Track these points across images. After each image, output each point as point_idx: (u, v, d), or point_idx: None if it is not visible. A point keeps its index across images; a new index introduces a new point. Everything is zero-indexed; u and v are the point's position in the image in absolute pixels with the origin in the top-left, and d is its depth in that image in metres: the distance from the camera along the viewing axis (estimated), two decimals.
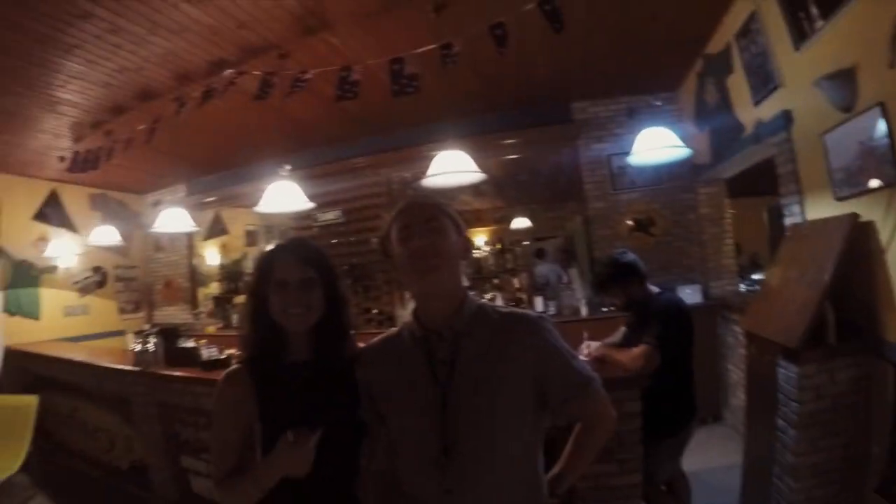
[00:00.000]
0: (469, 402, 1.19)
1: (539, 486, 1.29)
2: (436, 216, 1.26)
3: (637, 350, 2.37)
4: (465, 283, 1.34)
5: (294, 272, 1.35)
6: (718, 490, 3.19)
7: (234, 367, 1.40)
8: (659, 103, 4.29)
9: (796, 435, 2.38)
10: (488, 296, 5.01)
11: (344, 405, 1.37)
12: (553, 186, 5.76)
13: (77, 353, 4.68)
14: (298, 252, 1.40)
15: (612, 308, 2.86)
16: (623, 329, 2.90)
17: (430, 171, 2.82)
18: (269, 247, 1.47)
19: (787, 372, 2.47)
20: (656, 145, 3.21)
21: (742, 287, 4.78)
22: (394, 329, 1.43)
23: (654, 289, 2.68)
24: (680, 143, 3.24)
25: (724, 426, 4.42)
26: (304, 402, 1.31)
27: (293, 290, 1.34)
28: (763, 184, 4.33)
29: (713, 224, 4.72)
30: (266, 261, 1.40)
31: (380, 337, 1.44)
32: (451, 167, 2.79)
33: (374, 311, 5.45)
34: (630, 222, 4.77)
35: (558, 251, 5.93)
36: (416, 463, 1.25)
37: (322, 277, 1.38)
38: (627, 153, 3.85)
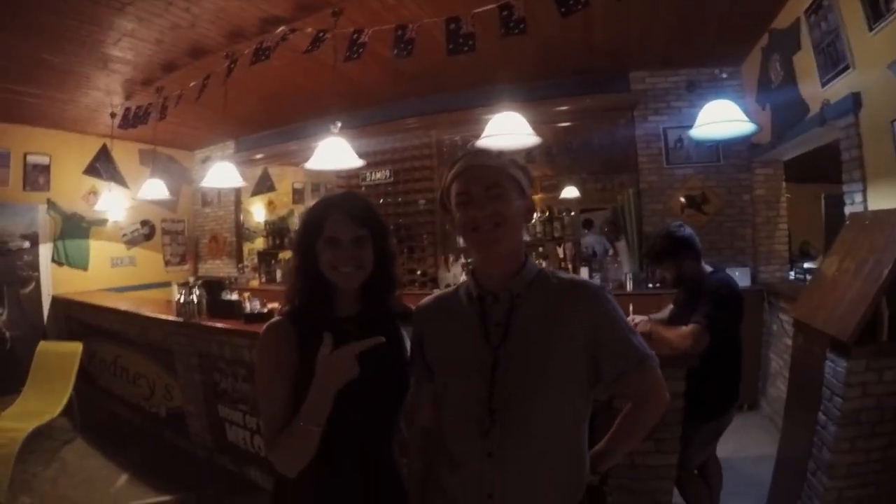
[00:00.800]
0: (519, 366, 1.16)
1: (582, 460, 1.25)
2: (498, 182, 1.19)
3: (686, 328, 2.30)
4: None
5: (346, 230, 1.31)
6: (748, 480, 3.13)
7: (275, 318, 1.36)
8: (724, 75, 4.10)
9: (837, 432, 2.29)
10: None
11: (389, 360, 1.35)
12: (605, 157, 5.62)
13: (122, 303, 4.84)
14: (350, 208, 1.34)
15: (661, 283, 2.75)
16: (670, 307, 2.82)
17: (485, 132, 2.75)
18: (320, 200, 1.42)
19: (834, 366, 2.37)
20: (721, 119, 3.06)
21: (791, 275, 4.61)
22: (450, 287, 1.41)
23: (708, 267, 2.59)
24: (745, 118, 3.08)
25: (759, 415, 4.32)
26: None
27: (345, 248, 1.30)
28: (820, 169, 4.16)
29: (768, 207, 4.55)
30: (316, 216, 1.35)
31: (437, 293, 1.42)
32: (507, 129, 2.71)
33: (419, 272, 5.44)
34: (682, 199, 4.64)
35: (606, 223, 5.81)
36: (460, 423, 1.23)
37: (373, 235, 1.34)
38: (684, 127, 3.71)
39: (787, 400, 3.04)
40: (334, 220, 1.32)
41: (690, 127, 3.42)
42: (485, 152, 1.26)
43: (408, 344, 1.42)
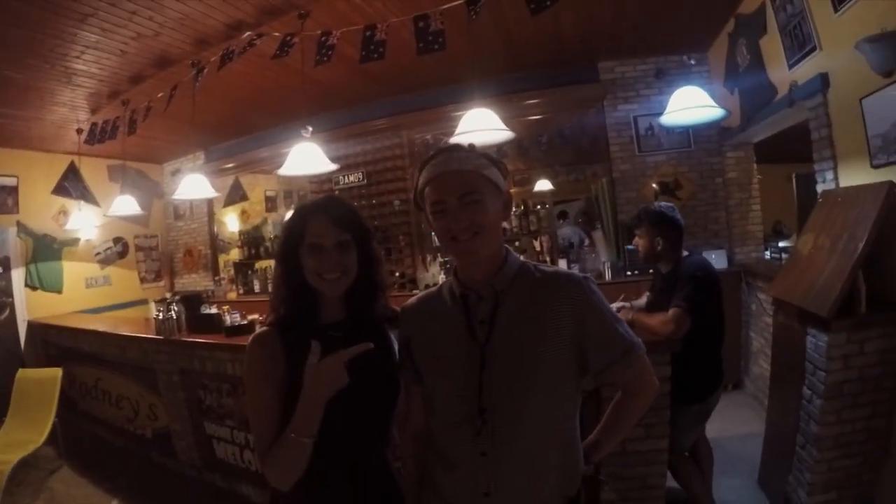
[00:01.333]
0: (507, 362, 1.16)
1: (575, 452, 1.25)
2: (472, 188, 1.16)
3: (668, 314, 2.32)
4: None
5: (329, 235, 1.28)
6: (737, 458, 3.18)
7: (262, 329, 1.34)
8: (693, 62, 4.15)
9: (822, 405, 2.35)
10: None
11: (378, 365, 1.33)
12: (576, 148, 5.67)
13: (99, 324, 4.74)
14: (332, 213, 1.31)
15: (634, 248, 2.76)
16: (647, 294, 2.85)
17: (457, 130, 2.74)
18: (300, 206, 1.39)
19: (815, 341, 2.42)
20: (690, 105, 3.11)
21: (767, 254, 4.69)
22: (433, 287, 1.40)
23: (683, 252, 2.61)
24: (714, 103, 3.13)
25: (744, 394, 4.39)
26: None
27: (328, 253, 1.27)
28: (790, 150, 4.23)
29: (740, 189, 4.63)
30: (297, 222, 1.32)
31: (420, 294, 1.41)
32: (479, 125, 2.71)
33: (397, 273, 5.41)
34: (655, 185, 4.69)
35: (579, 214, 5.86)
36: (451, 423, 1.22)
37: (356, 239, 1.32)
38: (654, 114, 3.74)
39: (771, 377, 3.10)
40: (316, 225, 1.29)
41: (660, 114, 3.47)
42: (456, 153, 1.22)
43: (396, 347, 1.40)
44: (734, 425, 3.64)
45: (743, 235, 4.65)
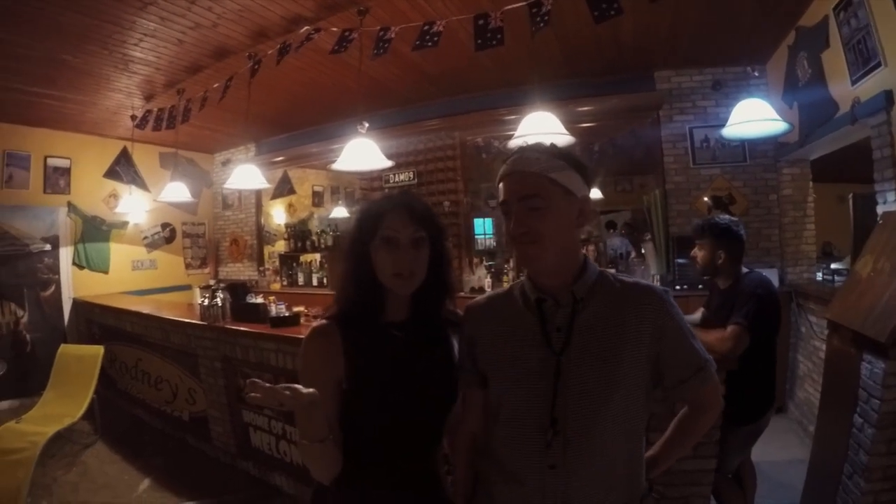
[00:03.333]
0: (583, 373, 1.11)
1: (640, 466, 1.21)
2: (535, 192, 1.11)
3: (727, 330, 2.25)
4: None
5: (405, 230, 1.24)
6: (779, 484, 3.08)
7: (322, 322, 1.30)
8: (756, 73, 4.03)
9: (874, 434, 2.23)
10: None
11: (437, 370, 1.31)
12: (628, 158, 5.57)
13: (143, 306, 4.83)
14: (410, 208, 1.27)
15: (692, 260, 2.68)
16: (701, 310, 2.77)
17: (517, 132, 2.71)
18: (377, 199, 1.35)
19: (871, 367, 2.30)
20: (754, 118, 3.01)
21: (818, 276, 4.53)
22: (502, 288, 1.35)
23: (743, 268, 2.53)
24: (778, 117, 3.03)
25: (787, 419, 4.24)
26: (396, 364, 1.26)
27: (403, 250, 1.23)
28: (844, 169, 4.07)
29: (795, 207, 4.48)
30: (373, 215, 1.28)
31: (487, 294, 1.36)
32: (539, 129, 2.67)
33: None
34: (706, 199, 4.57)
35: (623, 225, 5.76)
36: (518, 434, 1.16)
37: (431, 237, 1.28)
38: (710, 126, 3.63)
39: (820, 402, 2.97)
40: (393, 219, 1.25)
41: (716, 126, 3.38)
42: (529, 153, 1.17)
43: (457, 352, 1.36)
44: (777, 450, 3.51)
45: (796, 255, 4.50)
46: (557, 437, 1.11)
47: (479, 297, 1.35)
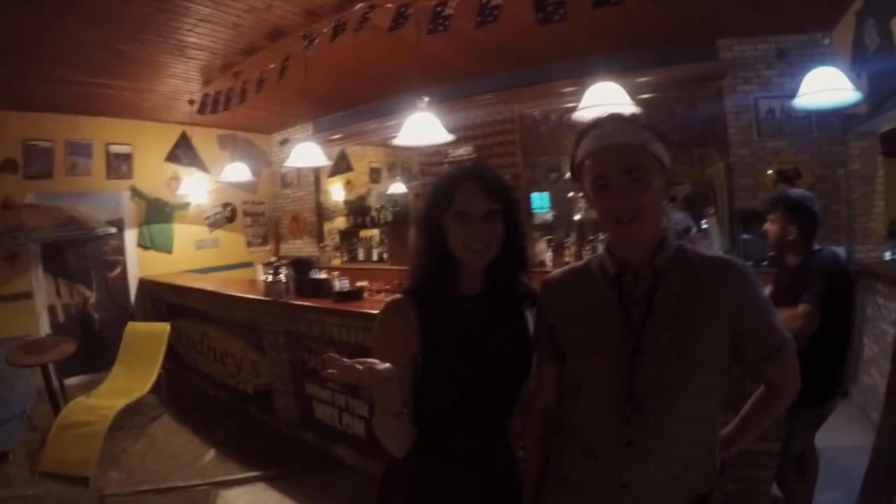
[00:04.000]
0: (663, 348, 1.10)
1: (715, 446, 1.20)
2: (638, 164, 1.08)
3: (797, 309, 2.18)
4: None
5: (478, 204, 1.22)
6: (839, 472, 2.95)
7: (396, 296, 1.31)
8: (826, 40, 3.84)
9: None
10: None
11: (511, 342, 1.30)
12: (689, 130, 5.39)
13: (207, 283, 5.01)
14: (483, 180, 1.25)
15: (763, 234, 2.60)
16: (769, 287, 2.70)
17: (581, 104, 2.67)
18: (449, 171, 1.34)
19: None
20: (826, 87, 2.88)
21: (887, 255, 4.33)
22: (577, 262, 1.33)
23: (815, 245, 2.44)
24: (851, 86, 2.89)
25: (850, 405, 4.06)
26: (469, 337, 1.25)
27: (476, 223, 1.22)
28: None
29: (863, 182, 4.23)
30: (446, 187, 1.27)
31: (565, 268, 1.34)
32: (605, 100, 2.63)
33: None
34: (770, 172, 4.37)
35: (684, 199, 5.60)
36: (596, 409, 1.17)
37: (505, 210, 1.26)
38: (775, 97, 3.48)
39: (887, 389, 2.83)
40: (465, 192, 1.24)
41: (782, 97, 3.23)
42: (620, 124, 1.13)
43: (532, 327, 1.35)
44: (838, 436, 3.36)
45: (864, 232, 4.27)
46: (636, 413, 1.10)
47: (556, 271, 1.34)
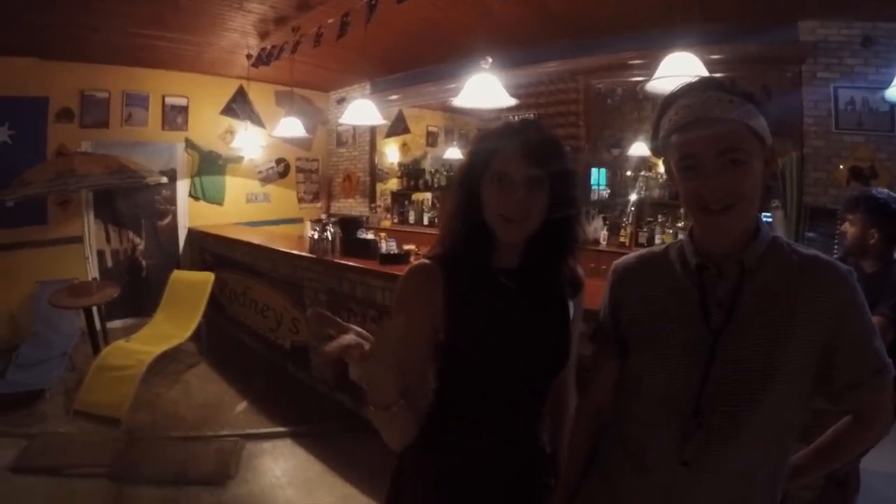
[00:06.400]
0: (743, 358, 0.96)
1: (783, 474, 1.05)
2: (736, 144, 0.92)
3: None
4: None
5: (519, 167, 1.06)
6: (880, 498, 2.82)
7: (423, 261, 1.17)
8: None
9: None
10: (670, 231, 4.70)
11: (549, 328, 1.15)
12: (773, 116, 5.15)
13: (255, 237, 5.04)
14: (528, 139, 1.08)
15: (842, 235, 2.43)
16: None
17: (657, 73, 2.53)
18: (492, 128, 1.16)
19: None
20: None
21: None
22: (657, 247, 1.18)
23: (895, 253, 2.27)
24: None
25: None
26: (501, 315, 1.11)
27: (514, 188, 1.05)
28: None
29: None
30: (485, 145, 1.12)
31: (639, 252, 1.19)
32: (681, 71, 2.49)
33: None
34: (842, 167, 4.09)
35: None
36: (655, 420, 1.04)
37: (552, 178, 1.08)
38: (857, 87, 3.23)
39: None
40: (506, 152, 1.07)
41: (864, 88, 3.00)
42: (716, 93, 0.96)
43: (571, 315, 1.21)
44: (883, 461, 3.19)
45: None
46: (699, 430, 0.97)
47: (630, 255, 1.19)
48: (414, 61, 5.86)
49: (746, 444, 0.96)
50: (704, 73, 2.54)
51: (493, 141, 1.11)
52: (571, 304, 1.21)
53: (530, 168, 1.05)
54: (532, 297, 1.13)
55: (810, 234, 3.82)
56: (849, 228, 2.34)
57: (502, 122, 1.17)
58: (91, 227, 5.48)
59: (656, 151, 1.07)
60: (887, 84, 2.83)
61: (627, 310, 1.13)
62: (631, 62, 4.29)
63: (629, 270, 1.16)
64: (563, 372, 1.22)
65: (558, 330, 1.17)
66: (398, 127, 6.62)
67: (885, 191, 2.37)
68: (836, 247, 3.45)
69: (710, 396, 0.97)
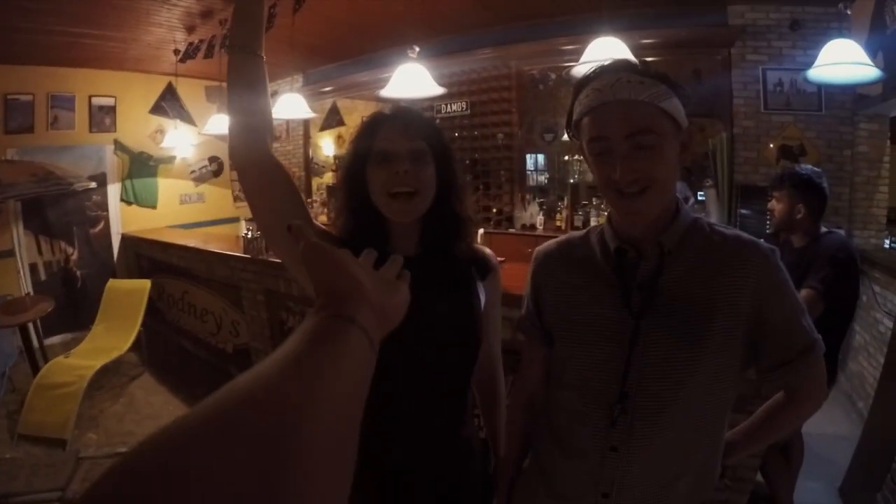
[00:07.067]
0: (665, 342, 0.95)
1: (717, 453, 1.05)
2: (647, 126, 0.90)
3: (801, 295, 2.09)
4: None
5: (401, 142, 1.07)
6: (821, 459, 2.92)
7: None
8: (848, 11, 3.68)
9: None
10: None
11: (457, 312, 1.12)
12: (691, 98, 5.29)
13: (190, 240, 4.88)
14: (406, 120, 1.11)
15: (767, 216, 2.48)
16: None
17: (581, 59, 2.51)
18: (370, 116, 1.17)
19: None
20: (843, 60, 2.73)
21: (886, 243, 4.24)
22: (577, 232, 1.16)
23: (822, 227, 2.33)
24: (870, 62, 2.74)
25: (836, 391, 3.97)
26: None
27: (399, 161, 1.06)
28: None
29: (869, 166, 4.13)
30: (366, 130, 1.12)
31: (561, 238, 1.18)
32: (605, 57, 2.47)
33: (494, 210, 5.23)
34: (772, 146, 4.24)
35: (683, 168, 5.53)
36: (580, 404, 1.03)
37: (434, 152, 1.10)
38: (784, 69, 3.34)
39: (880, 380, 2.79)
40: (386, 131, 1.09)
41: (791, 70, 3.09)
42: (627, 74, 0.93)
43: (482, 298, 1.18)
44: (822, 424, 3.30)
45: (865, 217, 4.18)
46: (625, 415, 0.96)
47: (550, 242, 1.18)
48: (344, 51, 5.79)
49: (674, 427, 0.96)
50: (629, 56, 2.54)
51: (372, 126, 1.12)
52: (482, 288, 1.19)
53: (412, 141, 1.07)
54: (434, 285, 1.07)
55: (743, 211, 3.94)
56: (776, 205, 2.39)
57: (378, 111, 1.18)
58: (21, 240, 5.21)
59: (572, 135, 1.05)
60: (813, 66, 2.90)
61: (548, 295, 1.12)
62: (563, 48, 4.32)
63: (550, 257, 1.15)
64: (483, 358, 1.19)
65: (466, 316, 1.14)
66: (332, 119, 6.52)
67: (809, 167, 2.44)
68: (768, 223, 3.56)
69: (634, 382, 0.96)
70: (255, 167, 1.07)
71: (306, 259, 0.57)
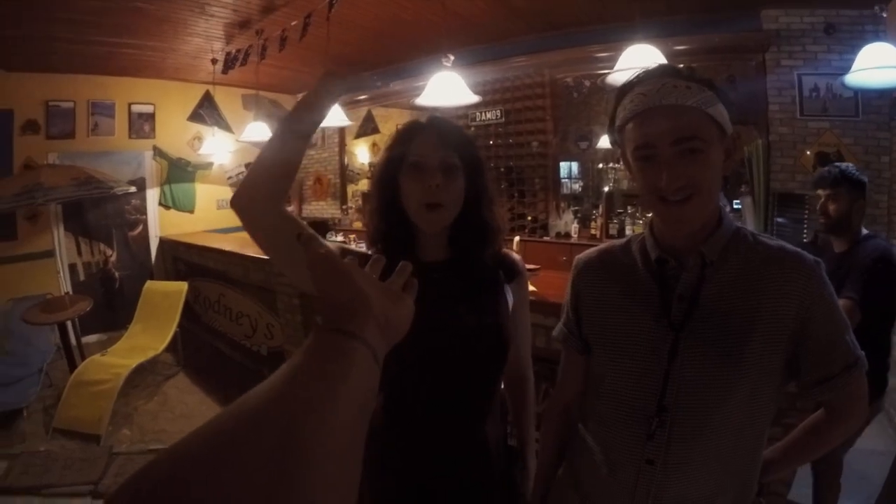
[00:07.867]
0: (706, 354, 0.93)
1: (756, 470, 1.03)
2: (694, 132, 0.88)
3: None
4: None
5: (433, 154, 1.10)
6: (857, 475, 2.80)
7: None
8: (884, 13, 3.60)
9: None
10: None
11: (485, 316, 1.14)
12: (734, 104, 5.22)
13: (227, 244, 4.98)
14: (440, 131, 1.13)
15: (822, 216, 2.38)
16: None
17: (616, 66, 2.52)
18: (404, 126, 1.21)
19: None
20: (882, 64, 2.66)
21: None
22: (618, 241, 1.15)
23: (863, 230, 2.25)
24: None
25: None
26: (435, 307, 1.04)
27: (431, 174, 1.08)
28: None
29: None
30: (401, 139, 1.15)
31: (602, 246, 1.17)
32: (639, 63, 2.47)
33: (529, 217, 5.22)
34: (809, 153, 4.16)
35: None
36: (619, 418, 1.02)
37: (465, 164, 1.12)
38: (820, 74, 3.27)
39: None
40: (419, 143, 1.12)
41: (827, 75, 3.03)
42: (673, 80, 0.91)
43: (510, 300, 1.21)
44: (860, 438, 3.28)
45: None
46: (662, 429, 0.95)
47: (592, 249, 1.17)
48: (379, 60, 5.83)
49: (713, 441, 0.94)
50: (664, 62, 2.54)
51: (406, 136, 1.15)
52: (509, 290, 1.22)
53: (445, 154, 1.10)
54: (463, 288, 1.13)
55: (780, 220, 3.86)
56: (830, 205, 2.28)
57: (413, 120, 1.21)
58: (61, 241, 5.36)
59: (614, 142, 1.04)
60: (850, 70, 2.84)
61: (587, 304, 1.11)
62: (597, 55, 4.33)
63: (590, 265, 1.14)
64: (512, 359, 1.21)
65: (494, 318, 1.16)
66: (367, 127, 6.59)
67: (851, 165, 2.36)
68: (805, 231, 3.48)
69: (673, 395, 0.95)
70: (271, 227, 1.12)
71: (313, 270, 0.58)
